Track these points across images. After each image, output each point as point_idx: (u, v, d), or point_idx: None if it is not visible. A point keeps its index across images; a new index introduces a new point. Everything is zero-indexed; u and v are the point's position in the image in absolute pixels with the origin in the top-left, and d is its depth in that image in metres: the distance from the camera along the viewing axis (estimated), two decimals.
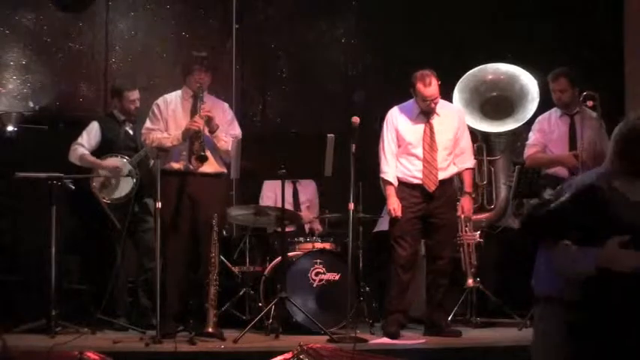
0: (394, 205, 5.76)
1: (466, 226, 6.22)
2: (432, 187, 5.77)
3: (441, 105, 5.87)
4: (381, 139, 5.89)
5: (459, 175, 5.96)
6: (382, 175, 5.84)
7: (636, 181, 3.01)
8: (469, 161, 5.98)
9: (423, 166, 5.78)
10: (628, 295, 2.95)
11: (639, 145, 3.01)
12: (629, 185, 3.00)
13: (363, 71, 7.97)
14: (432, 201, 5.79)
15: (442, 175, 5.79)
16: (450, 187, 5.90)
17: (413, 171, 5.80)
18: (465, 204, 5.95)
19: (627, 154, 3.03)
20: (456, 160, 5.90)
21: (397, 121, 5.86)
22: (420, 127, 5.83)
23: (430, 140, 5.81)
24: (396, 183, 5.82)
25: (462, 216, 6.03)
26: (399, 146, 5.85)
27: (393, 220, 5.83)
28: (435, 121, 5.83)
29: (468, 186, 5.96)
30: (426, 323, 5.91)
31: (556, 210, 3.07)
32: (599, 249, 2.91)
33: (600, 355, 3.00)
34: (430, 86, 5.71)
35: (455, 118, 5.94)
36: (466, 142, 5.98)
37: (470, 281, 6.18)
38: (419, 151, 5.80)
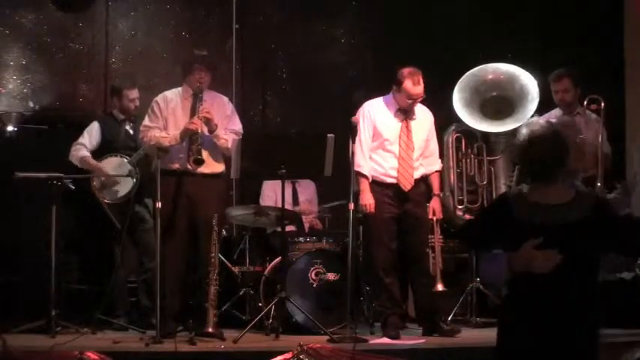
0: (369, 200, 5.70)
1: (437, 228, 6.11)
2: (407, 187, 5.74)
3: (417, 105, 5.86)
4: (357, 132, 5.79)
5: (428, 177, 5.91)
6: (358, 169, 5.73)
7: (541, 185, 3.26)
8: (437, 164, 5.98)
9: (399, 164, 5.75)
10: (543, 292, 3.16)
11: (532, 153, 3.29)
12: (535, 189, 3.26)
13: (363, 71, 7.97)
14: (406, 201, 5.75)
15: (416, 175, 5.78)
16: (421, 186, 5.86)
17: (387, 169, 5.77)
18: (436, 206, 5.89)
19: (525, 162, 3.33)
20: (424, 161, 5.87)
21: (375, 116, 5.81)
22: (398, 124, 5.80)
23: (407, 139, 5.78)
24: (370, 178, 5.78)
25: (434, 218, 5.95)
26: (372, 141, 5.81)
27: (368, 221, 5.79)
28: (412, 119, 5.82)
29: (436, 188, 5.93)
30: (425, 324, 5.89)
31: (472, 223, 3.41)
32: (510, 253, 3.14)
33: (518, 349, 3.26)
34: (419, 85, 5.69)
35: (428, 120, 5.93)
36: (435, 144, 5.98)
37: (439, 286, 6.03)
38: (395, 149, 5.77)
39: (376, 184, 5.77)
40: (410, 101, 5.73)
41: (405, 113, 5.80)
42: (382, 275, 5.75)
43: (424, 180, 5.88)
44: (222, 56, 7.64)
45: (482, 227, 3.36)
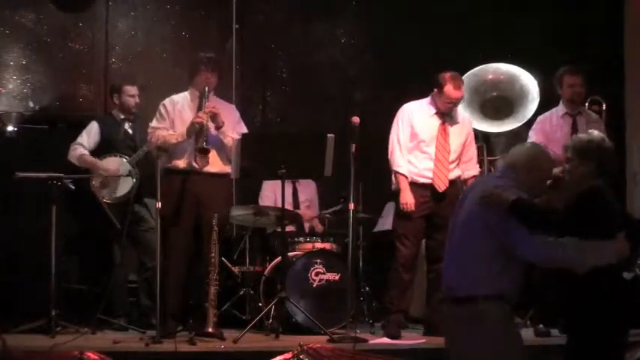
0: (410, 199, 5.75)
1: None
2: (442, 187, 5.79)
3: (455, 109, 5.93)
4: (394, 133, 5.87)
5: (464, 182, 5.96)
6: (397, 169, 5.82)
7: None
8: (475, 169, 6.07)
9: (435, 165, 5.80)
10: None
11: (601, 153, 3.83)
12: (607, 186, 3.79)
13: (363, 71, 7.97)
14: (440, 201, 5.80)
15: (450, 176, 5.83)
16: (455, 187, 5.89)
17: (421, 170, 5.82)
18: None
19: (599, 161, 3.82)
20: (462, 166, 5.94)
21: (413, 117, 5.87)
22: (435, 126, 5.86)
23: (444, 141, 5.84)
24: (409, 178, 5.82)
25: None
26: (409, 142, 5.85)
27: (400, 218, 5.83)
28: (449, 122, 5.88)
29: None
30: (426, 323, 5.90)
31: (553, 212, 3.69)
32: (613, 242, 3.58)
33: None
34: (459, 90, 5.80)
35: (466, 125, 6.01)
36: (473, 150, 6.06)
37: None
38: (431, 150, 5.83)
39: (412, 185, 5.81)
40: (450, 105, 5.80)
41: (444, 116, 5.87)
42: (401, 271, 5.80)
43: (460, 181, 5.94)
44: (223, 56, 7.63)
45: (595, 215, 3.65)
